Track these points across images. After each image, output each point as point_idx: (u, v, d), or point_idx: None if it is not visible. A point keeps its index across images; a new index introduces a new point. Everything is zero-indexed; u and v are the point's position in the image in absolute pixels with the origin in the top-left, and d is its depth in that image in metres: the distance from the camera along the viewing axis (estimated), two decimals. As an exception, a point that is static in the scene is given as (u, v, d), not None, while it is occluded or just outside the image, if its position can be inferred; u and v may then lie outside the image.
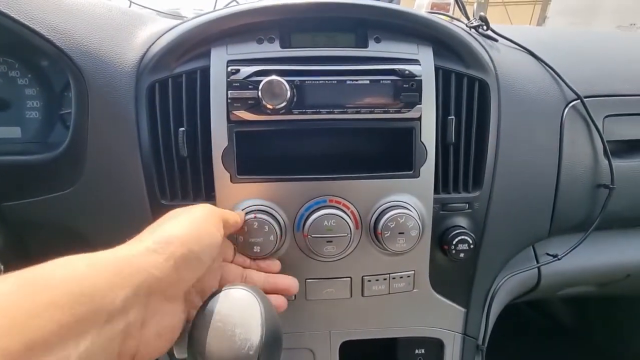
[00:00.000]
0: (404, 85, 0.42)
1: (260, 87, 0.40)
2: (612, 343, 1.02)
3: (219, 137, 0.43)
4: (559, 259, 0.56)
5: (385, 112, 0.42)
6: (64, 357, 0.21)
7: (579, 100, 0.54)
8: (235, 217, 0.39)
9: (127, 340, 0.25)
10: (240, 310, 0.29)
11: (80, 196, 0.46)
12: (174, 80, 0.44)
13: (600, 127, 0.54)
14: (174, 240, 0.29)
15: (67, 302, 0.22)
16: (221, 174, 0.43)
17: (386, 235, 0.42)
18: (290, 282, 0.41)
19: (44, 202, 0.46)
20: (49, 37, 0.42)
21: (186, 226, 0.31)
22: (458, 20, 0.59)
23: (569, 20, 3.44)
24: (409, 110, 0.43)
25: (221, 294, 0.30)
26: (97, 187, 0.45)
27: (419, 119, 0.44)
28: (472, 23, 0.55)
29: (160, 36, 0.46)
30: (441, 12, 0.59)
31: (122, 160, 0.45)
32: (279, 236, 0.41)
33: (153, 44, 0.46)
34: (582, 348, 1.07)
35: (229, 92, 0.41)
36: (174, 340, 0.29)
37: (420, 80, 0.43)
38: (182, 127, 0.44)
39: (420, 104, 0.43)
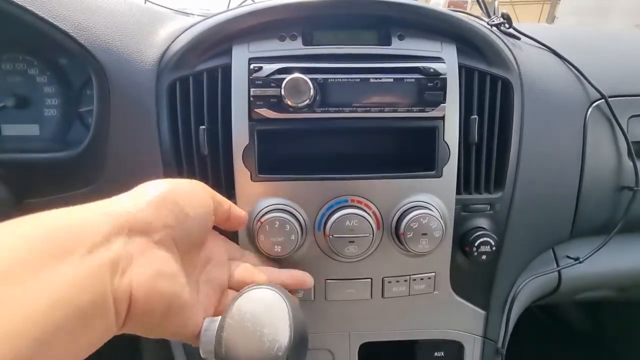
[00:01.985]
0: (429, 84, 0.41)
1: (283, 84, 0.39)
2: (626, 348, 1.00)
3: (240, 135, 0.42)
4: (580, 262, 0.55)
5: (408, 110, 0.42)
6: (46, 283, 0.20)
7: (602, 100, 0.53)
8: (232, 205, 0.38)
9: (117, 275, 0.24)
10: (267, 311, 0.29)
11: (101, 194, 0.45)
12: (195, 78, 0.44)
13: (624, 127, 0.53)
14: (151, 190, 0.30)
15: (42, 234, 0.22)
16: (242, 172, 0.43)
17: (409, 236, 0.42)
18: (304, 275, 0.40)
19: (64, 200, 0.45)
20: (73, 34, 0.42)
21: (168, 181, 0.31)
22: (479, 18, 0.58)
23: (578, 21, 3.39)
24: (433, 109, 0.42)
25: (247, 295, 0.30)
26: (118, 185, 0.44)
27: (443, 118, 0.43)
28: (493, 21, 0.54)
29: (181, 33, 0.46)
30: (460, 10, 0.58)
31: (142, 158, 0.45)
32: (299, 236, 0.41)
33: (174, 41, 0.45)
34: (595, 353, 1.05)
35: (251, 89, 0.41)
36: (174, 289, 0.28)
37: (445, 79, 0.42)
38: (203, 125, 0.44)
39: (445, 103, 0.42)
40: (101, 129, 0.44)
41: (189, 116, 0.44)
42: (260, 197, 0.43)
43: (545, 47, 0.55)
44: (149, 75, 0.45)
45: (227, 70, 0.43)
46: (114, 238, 0.25)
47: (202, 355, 0.30)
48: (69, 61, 0.55)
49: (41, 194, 0.46)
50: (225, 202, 0.37)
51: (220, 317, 0.30)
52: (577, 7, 3.47)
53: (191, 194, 0.32)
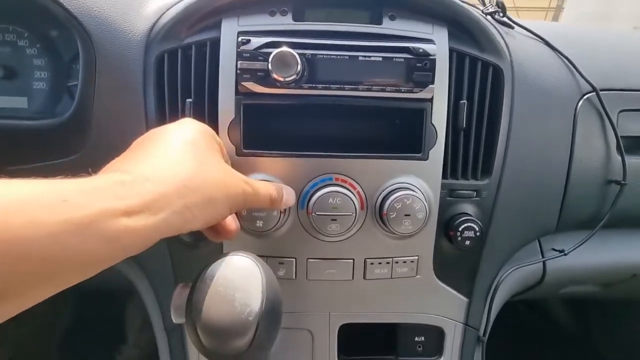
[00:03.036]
0: (417, 64, 0.41)
1: (270, 58, 0.39)
2: (612, 347, 1.01)
3: (226, 109, 0.42)
4: (565, 254, 0.55)
5: (396, 90, 0.41)
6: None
7: (593, 93, 0.53)
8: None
9: None
10: (241, 276, 0.28)
11: (84, 164, 0.44)
12: (184, 51, 0.44)
13: (614, 121, 0.53)
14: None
15: None
16: (227, 146, 0.42)
17: (392, 217, 0.42)
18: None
19: (47, 169, 0.45)
20: (60, -1, 0.41)
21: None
22: (473, 6, 0.57)
23: (581, 27, 3.40)
24: (421, 90, 0.42)
25: (221, 260, 0.29)
26: (101, 156, 0.44)
27: (431, 100, 0.43)
28: (488, 9, 0.54)
29: (172, 6, 0.45)
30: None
31: (127, 130, 0.44)
32: (282, 212, 0.41)
33: (164, 13, 0.45)
34: (582, 352, 1.06)
35: (239, 62, 0.40)
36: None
37: (434, 60, 0.42)
38: (190, 98, 0.43)
39: (433, 85, 0.42)
40: (86, 98, 0.44)
41: (176, 89, 0.44)
42: (245, 172, 0.42)
43: (539, 38, 0.54)
44: (138, 46, 0.44)
45: (215, 43, 0.43)
46: None
47: (173, 320, 0.30)
48: (59, 34, 0.55)
49: (24, 161, 0.45)
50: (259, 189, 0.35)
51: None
52: (580, 13, 3.48)
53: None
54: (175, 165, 0.28)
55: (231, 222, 0.35)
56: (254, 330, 0.27)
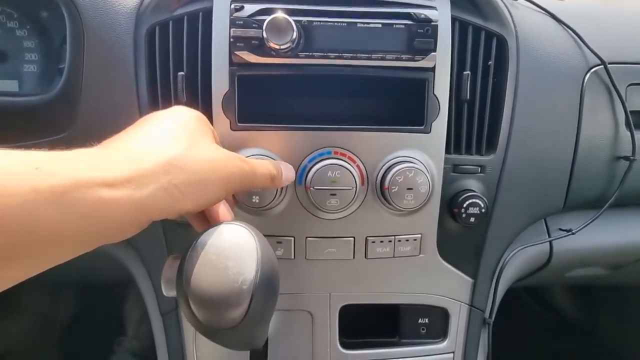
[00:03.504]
0: (419, 31, 0.39)
1: (264, 25, 0.37)
2: (618, 337, 0.99)
3: (220, 81, 0.40)
4: (572, 234, 0.54)
5: (397, 59, 0.40)
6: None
7: (601, 66, 0.51)
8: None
9: None
10: (233, 245, 0.27)
11: (74, 141, 0.43)
12: (175, 22, 0.42)
13: (623, 95, 0.51)
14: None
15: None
16: (221, 120, 0.41)
17: (393, 191, 0.40)
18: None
19: (38, 147, 0.44)
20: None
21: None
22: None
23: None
24: (423, 58, 0.40)
25: (212, 229, 0.28)
26: (92, 132, 0.42)
27: (433, 69, 0.41)
28: (491, -20, 0.52)
29: (163, -24, 0.43)
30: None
31: (118, 105, 0.43)
32: (279, 188, 0.39)
33: (154, -16, 0.43)
34: (587, 342, 1.05)
35: (232, 30, 0.38)
36: None
37: (436, 26, 0.40)
38: (182, 71, 0.42)
39: (435, 52, 0.40)
40: (75, 73, 0.42)
41: (168, 63, 0.42)
42: (240, 147, 0.41)
43: (544, 11, 0.52)
44: (127, 19, 0.43)
45: (208, 14, 0.41)
46: None
47: (164, 293, 0.28)
48: (49, 14, 0.53)
49: (14, 139, 0.44)
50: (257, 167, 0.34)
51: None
52: None
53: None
54: (162, 145, 0.27)
55: (225, 213, 0.33)
56: (249, 300, 0.25)
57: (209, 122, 0.34)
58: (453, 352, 0.49)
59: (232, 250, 0.26)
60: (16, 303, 0.85)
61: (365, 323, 0.49)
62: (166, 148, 0.26)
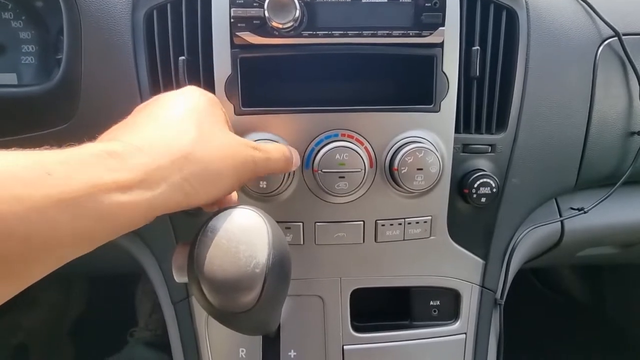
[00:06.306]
0: (426, 4, 0.38)
1: (266, 3, 0.36)
2: (626, 318, 0.99)
3: (222, 64, 0.39)
4: (585, 212, 0.53)
5: (404, 35, 0.38)
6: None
7: (615, 38, 0.49)
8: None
9: None
10: (245, 229, 0.26)
11: (76, 132, 0.42)
12: (173, 5, 0.41)
13: (638, 67, 0.50)
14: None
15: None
16: (225, 105, 0.39)
17: (403, 172, 0.39)
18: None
19: (40, 139, 0.43)
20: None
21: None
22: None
23: None
24: (431, 34, 0.39)
25: (224, 213, 0.27)
26: (94, 122, 0.42)
27: (442, 45, 0.40)
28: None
29: (159, -43, 0.42)
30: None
31: (118, 93, 0.42)
32: (286, 172, 0.38)
33: (151, -34, 0.42)
34: (595, 323, 1.05)
35: (232, 9, 0.37)
36: None
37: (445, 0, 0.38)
38: (183, 56, 0.41)
39: (444, 27, 0.39)
40: (73, 61, 0.41)
41: (168, 47, 0.41)
42: (245, 132, 0.40)
43: (555, -19, 0.50)
44: (124, 4, 0.42)
45: (207, -6, 0.40)
46: None
47: (175, 279, 0.28)
48: (44, 4, 0.52)
49: (15, 132, 0.43)
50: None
51: None
52: None
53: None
54: (172, 134, 0.26)
55: (232, 196, 0.33)
56: (262, 284, 0.25)
57: (220, 105, 0.33)
58: (465, 333, 0.49)
59: (243, 234, 0.26)
60: (29, 296, 0.86)
61: (377, 306, 0.49)
62: (177, 141, 0.25)
